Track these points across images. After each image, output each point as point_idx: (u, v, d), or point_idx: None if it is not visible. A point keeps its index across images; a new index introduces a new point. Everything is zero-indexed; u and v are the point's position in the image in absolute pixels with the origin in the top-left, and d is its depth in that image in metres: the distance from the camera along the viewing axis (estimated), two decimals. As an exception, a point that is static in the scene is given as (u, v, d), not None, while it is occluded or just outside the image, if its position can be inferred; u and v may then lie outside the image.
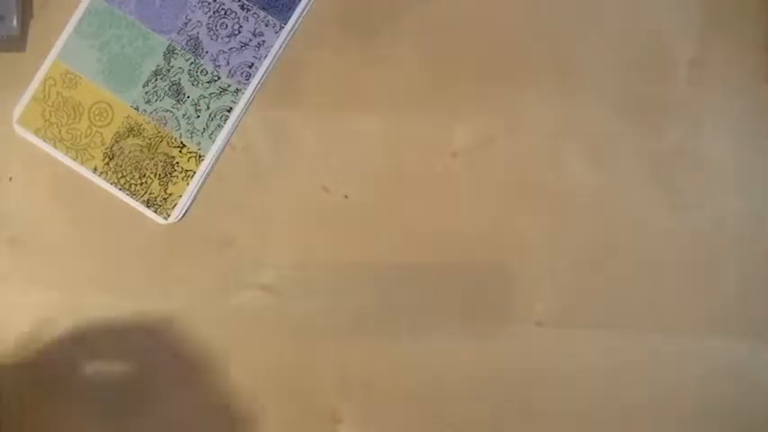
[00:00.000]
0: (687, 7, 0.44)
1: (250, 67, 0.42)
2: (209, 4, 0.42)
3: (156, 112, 0.42)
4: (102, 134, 0.42)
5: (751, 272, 0.44)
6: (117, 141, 0.42)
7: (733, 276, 0.44)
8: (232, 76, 0.42)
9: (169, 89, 0.42)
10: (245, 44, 0.42)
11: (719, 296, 0.43)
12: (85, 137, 0.42)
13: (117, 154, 0.42)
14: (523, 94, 0.43)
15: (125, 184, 0.42)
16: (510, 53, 0.44)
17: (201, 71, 0.42)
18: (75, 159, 0.42)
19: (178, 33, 0.42)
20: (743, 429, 0.43)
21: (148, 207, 0.42)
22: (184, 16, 0.42)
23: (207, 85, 0.42)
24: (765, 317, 0.44)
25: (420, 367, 0.42)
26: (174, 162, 0.42)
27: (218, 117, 0.42)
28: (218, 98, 0.42)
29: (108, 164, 0.42)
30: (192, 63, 0.42)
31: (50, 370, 0.43)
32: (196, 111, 0.42)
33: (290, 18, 0.42)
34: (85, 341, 0.43)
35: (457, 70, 0.43)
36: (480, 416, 0.43)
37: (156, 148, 0.42)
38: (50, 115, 0.42)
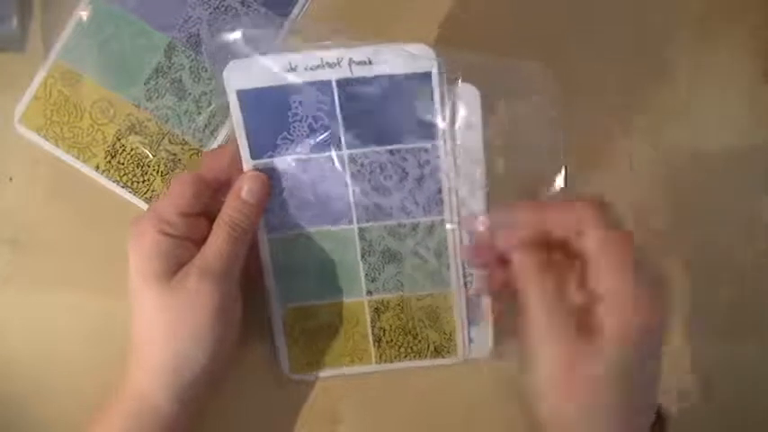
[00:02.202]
0: (687, 7, 0.45)
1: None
2: (210, 0, 0.42)
3: (158, 110, 0.42)
4: (103, 132, 0.42)
5: (751, 273, 0.44)
6: (119, 139, 0.42)
7: (733, 277, 0.44)
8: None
9: (170, 86, 0.42)
10: (246, 40, 0.42)
11: (719, 297, 0.43)
12: (87, 135, 0.42)
13: (119, 152, 0.42)
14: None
15: (127, 181, 0.42)
16: (510, 54, 0.44)
17: (203, 68, 0.42)
18: (76, 158, 0.42)
19: (179, 30, 0.42)
20: (743, 429, 0.43)
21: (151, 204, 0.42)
22: (185, 13, 0.42)
23: (208, 81, 0.42)
24: (765, 318, 0.44)
25: (422, 366, 0.42)
26: (177, 159, 0.42)
27: (219, 114, 0.42)
28: (219, 95, 0.42)
29: (110, 162, 0.42)
30: (192, 60, 0.42)
31: (51, 369, 0.43)
32: (198, 108, 0.42)
33: (289, 14, 0.42)
34: (86, 340, 0.43)
35: (456, 70, 0.44)
36: (481, 415, 0.43)
37: (159, 146, 0.42)
38: (52, 114, 0.42)
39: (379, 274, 0.40)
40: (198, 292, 0.35)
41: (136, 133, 0.42)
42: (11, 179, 0.43)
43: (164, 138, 0.42)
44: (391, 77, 0.37)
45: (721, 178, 0.44)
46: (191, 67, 0.42)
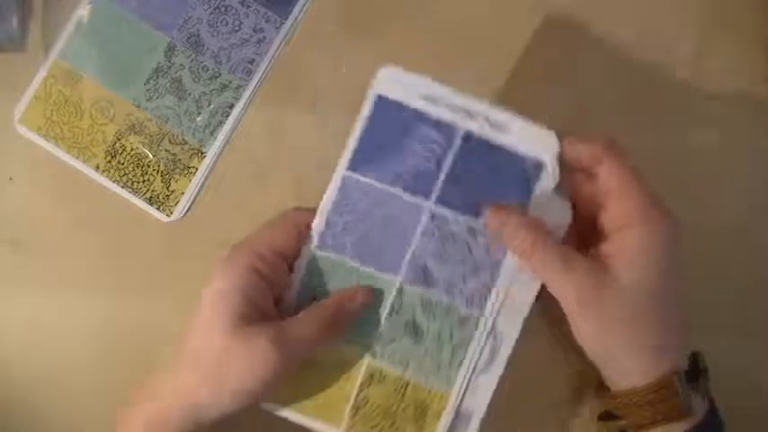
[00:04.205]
0: (687, 7, 0.45)
1: (251, 63, 0.42)
2: (210, 0, 0.42)
3: (158, 110, 0.42)
4: (103, 132, 0.42)
5: (751, 272, 0.44)
6: (119, 139, 0.42)
7: (733, 276, 0.44)
8: (233, 72, 0.42)
9: (170, 86, 0.42)
10: (246, 40, 0.42)
11: (720, 296, 0.43)
12: (87, 135, 0.42)
13: (119, 152, 0.42)
14: (523, 94, 0.44)
15: (127, 181, 0.42)
16: (510, 54, 0.44)
17: (203, 68, 0.42)
18: (76, 158, 0.42)
19: (179, 30, 0.42)
20: (743, 429, 0.43)
21: (151, 204, 0.42)
22: (185, 13, 0.42)
23: (208, 81, 0.42)
24: (765, 317, 0.44)
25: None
26: (177, 159, 0.42)
27: (219, 114, 0.42)
28: (219, 95, 0.42)
29: (110, 162, 0.42)
30: (192, 60, 0.42)
31: (51, 370, 0.43)
32: (198, 108, 0.42)
33: (290, 14, 0.42)
34: (86, 341, 0.43)
35: (457, 70, 0.43)
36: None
37: (158, 146, 0.42)
38: (52, 114, 0.42)
39: (394, 341, 0.38)
40: (259, 356, 0.34)
41: (136, 133, 0.42)
42: (11, 179, 0.43)
43: (164, 138, 0.42)
44: (509, 155, 0.36)
45: (721, 177, 0.44)
46: (191, 67, 0.42)
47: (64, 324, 0.43)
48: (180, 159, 0.42)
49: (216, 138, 0.42)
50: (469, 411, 0.38)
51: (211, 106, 0.42)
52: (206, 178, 0.43)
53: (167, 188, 0.42)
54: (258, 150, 0.43)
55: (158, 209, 0.42)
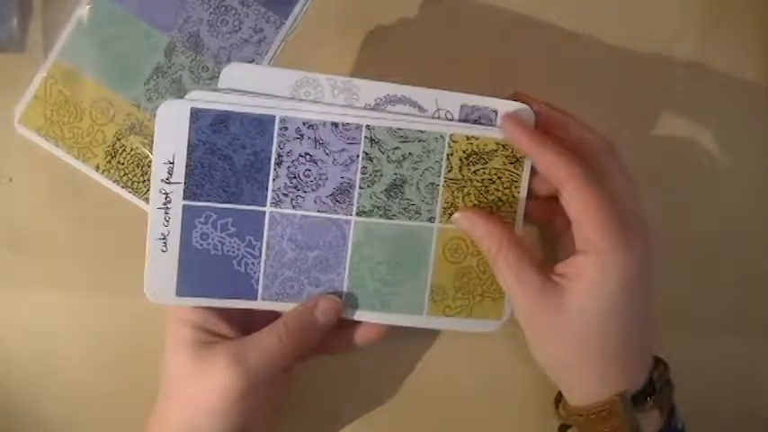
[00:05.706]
0: (687, 7, 0.45)
1: (251, 63, 0.42)
2: (210, 0, 0.42)
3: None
4: (103, 132, 0.42)
5: (751, 272, 0.44)
6: (119, 139, 0.42)
7: (733, 276, 0.44)
8: (233, 72, 0.42)
9: (170, 86, 0.42)
10: (246, 40, 0.42)
11: (719, 296, 0.43)
12: (87, 135, 0.42)
13: (119, 152, 0.42)
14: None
15: (127, 181, 0.42)
16: (509, 53, 0.44)
17: (202, 68, 0.42)
18: (76, 158, 0.42)
19: (179, 30, 0.42)
20: (742, 429, 0.43)
21: (151, 205, 0.42)
22: (185, 13, 0.42)
23: (208, 81, 0.42)
24: (765, 317, 0.44)
25: (421, 367, 0.42)
26: (177, 159, 0.42)
27: None
28: None
29: (110, 162, 0.42)
30: (192, 60, 0.42)
31: (51, 370, 0.43)
32: (198, 108, 0.42)
33: (290, 14, 0.42)
34: (86, 341, 0.43)
35: (457, 71, 0.44)
36: (481, 415, 0.43)
37: (159, 146, 0.42)
38: (52, 114, 0.42)
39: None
40: (217, 375, 0.35)
41: (136, 133, 0.42)
42: (11, 179, 0.43)
43: (164, 138, 0.42)
44: None
45: (721, 178, 0.44)
46: (191, 67, 0.42)
47: (63, 324, 0.43)
48: (180, 159, 0.42)
49: (216, 138, 0.42)
50: None
51: (211, 106, 0.42)
52: (206, 178, 0.43)
53: (167, 188, 0.42)
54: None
55: (158, 209, 0.42)
